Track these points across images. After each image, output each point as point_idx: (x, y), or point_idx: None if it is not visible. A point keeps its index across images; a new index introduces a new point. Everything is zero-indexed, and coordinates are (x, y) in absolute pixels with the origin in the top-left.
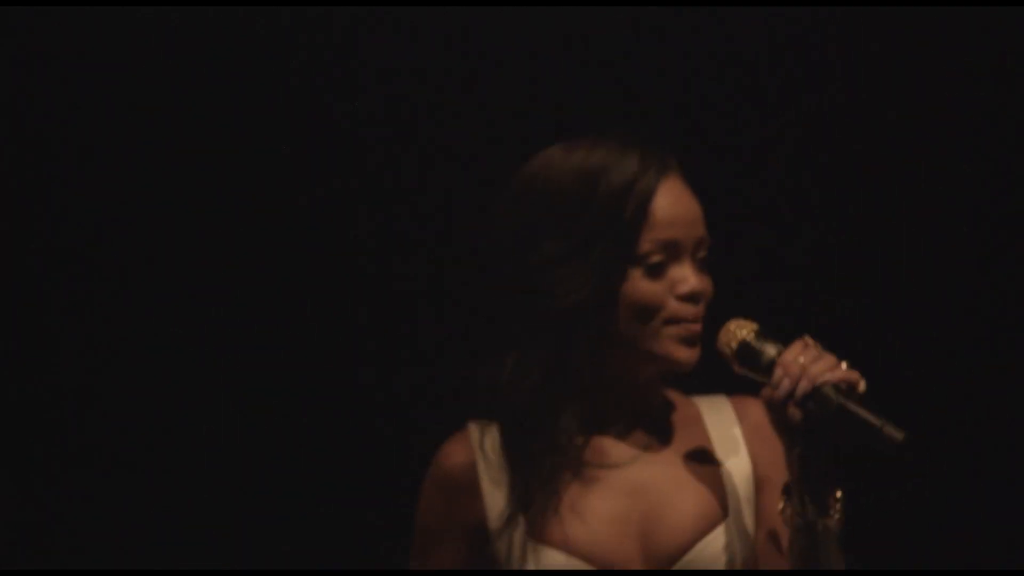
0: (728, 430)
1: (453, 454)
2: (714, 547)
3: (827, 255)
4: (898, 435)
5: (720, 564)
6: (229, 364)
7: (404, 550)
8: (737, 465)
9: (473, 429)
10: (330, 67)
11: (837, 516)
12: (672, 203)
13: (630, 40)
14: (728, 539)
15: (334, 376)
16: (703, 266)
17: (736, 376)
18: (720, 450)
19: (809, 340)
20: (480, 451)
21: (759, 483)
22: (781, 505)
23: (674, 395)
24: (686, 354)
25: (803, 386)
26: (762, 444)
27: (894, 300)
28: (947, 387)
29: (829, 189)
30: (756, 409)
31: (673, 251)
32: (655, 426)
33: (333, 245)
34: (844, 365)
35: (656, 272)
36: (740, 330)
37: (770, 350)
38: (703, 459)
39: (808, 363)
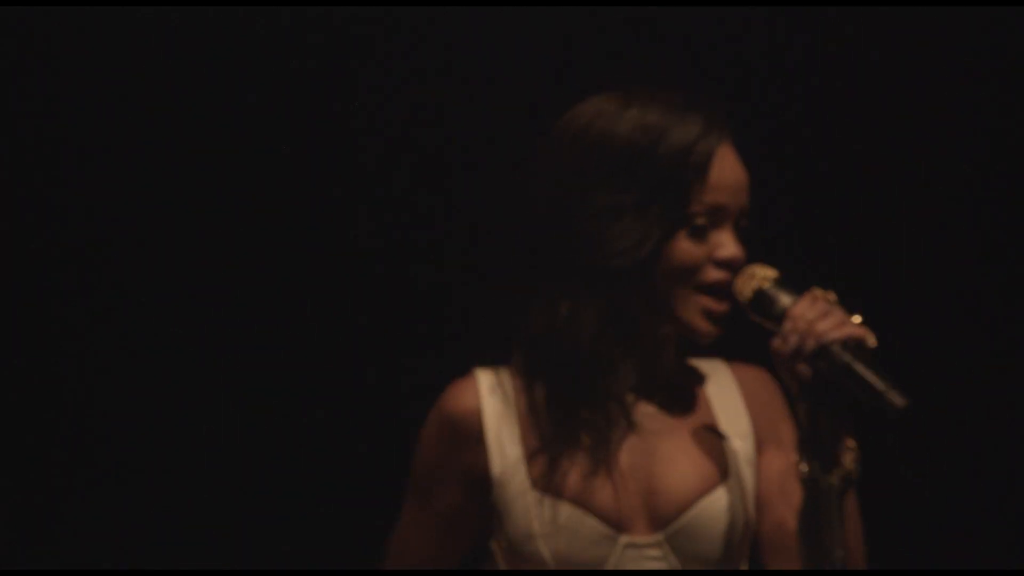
0: (729, 394)
1: (458, 399)
2: (715, 507)
3: (827, 254)
4: (900, 401)
5: (721, 523)
6: (229, 361)
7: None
8: (738, 429)
9: (482, 376)
10: (330, 66)
11: (843, 474)
12: (726, 169)
13: (630, 39)
14: (730, 499)
15: (335, 376)
16: (742, 236)
17: (751, 323)
18: (722, 413)
19: (819, 293)
20: (488, 399)
21: (759, 446)
22: (797, 461)
23: (683, 355)
24: (707, 328)
25: (810, 344)
26: (761, 409)
27: (893, 298)
28: (946, 385)
29: (827, 187)
30: (753, 374)
31: (719, 216)
32: (665, 388)
33: (334, 237)
34: (855, 319)
35: (699, 234)
36: (758, 276)
37: (784, 300)
38: (706, 422)
39: (816, 319)
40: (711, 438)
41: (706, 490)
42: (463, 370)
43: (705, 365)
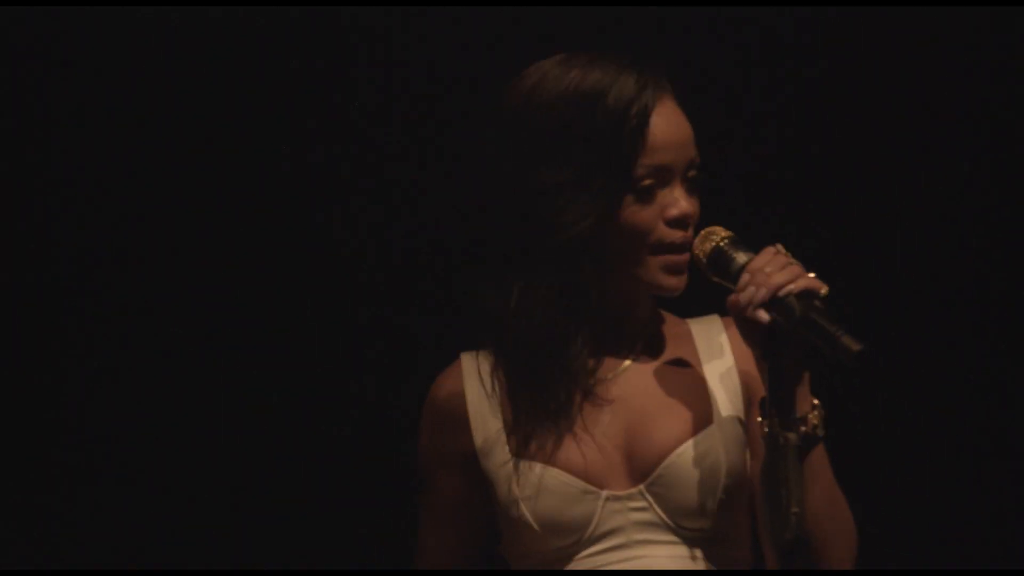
0: (717, 347)
1: (443, 386)
2: (690, 454)
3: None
4: (855, 346)
5: (697, 470)
6: (224, 358)
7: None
8: (724, 379)
9: (465, 359)
10: (327, 65)
11: (803, 430)
12: (667, 126)
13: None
14: (709, 445)
15: (328, 376)
16: (693, 187)
17: (712, 284)
18: (707, 365)
19: (779, 248)
20: (470, 380)
21: (749, 398)
22: (759, 419)
23: (666, 315)
24: (673, 282)
25: (763, 294)
26: (751, 364)
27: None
28: (944, 384)
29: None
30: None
31: (665, 175)
32: (644, 343)
33: (321, 235)
34: (811, 275)
35: (646, 196)
36: (714, 236)
37: (741, 258)
38: (689, 372)
39: (773, 271)
40: (695, 390)
41: (683, 440)
42: (452, 358)
43: (698, 323)
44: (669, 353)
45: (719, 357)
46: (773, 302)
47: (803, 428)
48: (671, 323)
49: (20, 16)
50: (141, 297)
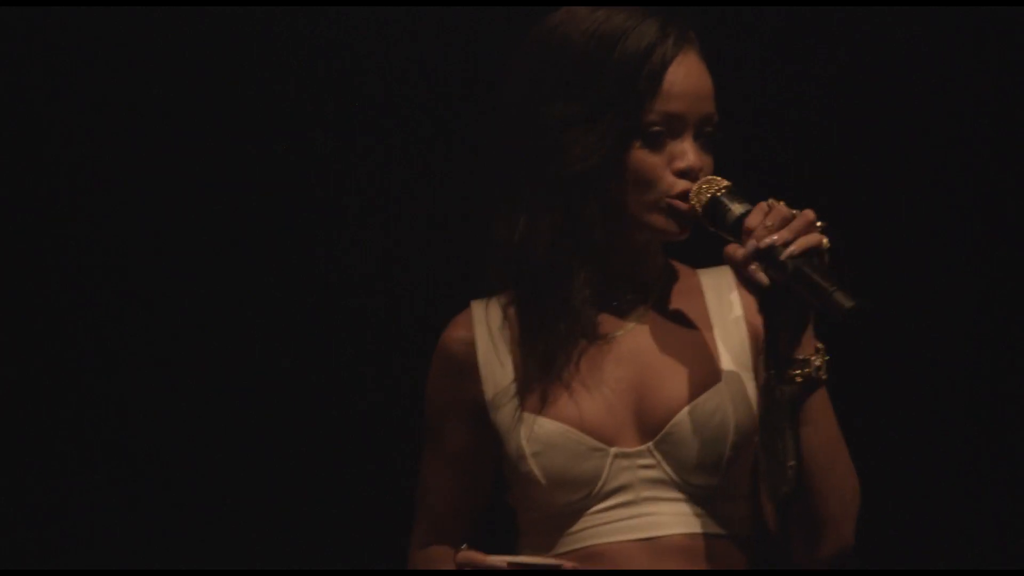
0: (727, 300)
1: (453, 333)
2: (698, 412)
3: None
4: (847, 302)
5: (705, 428)
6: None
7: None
8: (733, 333)
9: (475, 307)
10: (324, 66)
11: (805, 372)
12: (684, 76)
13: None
14: (718, 402)
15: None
16: (708, 144)
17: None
18: (717, 319)
19: (775, 202)
20: (480, 328)
21: (758, 350)
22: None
23: (678, 266)
24: (673, 226)
25: (761, 247)
26: (759, 317)
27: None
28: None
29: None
30: None
31: (677, 125)
32: (653, 296)
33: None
34: (805, 223)
35: (656, 143)
36: (711, 186)
37: (737, 208)
38: (699, 328)
39: (772, 224)
40: (703, 345)
41: (692, 397)
42: (463, 306)
43: (709, 274)
44: (679, 309)
45: (728, 311)
46: (768, 256)
47: (805, 370)
48: (682, 276)
49: (20, 16)
50: (143, 297)
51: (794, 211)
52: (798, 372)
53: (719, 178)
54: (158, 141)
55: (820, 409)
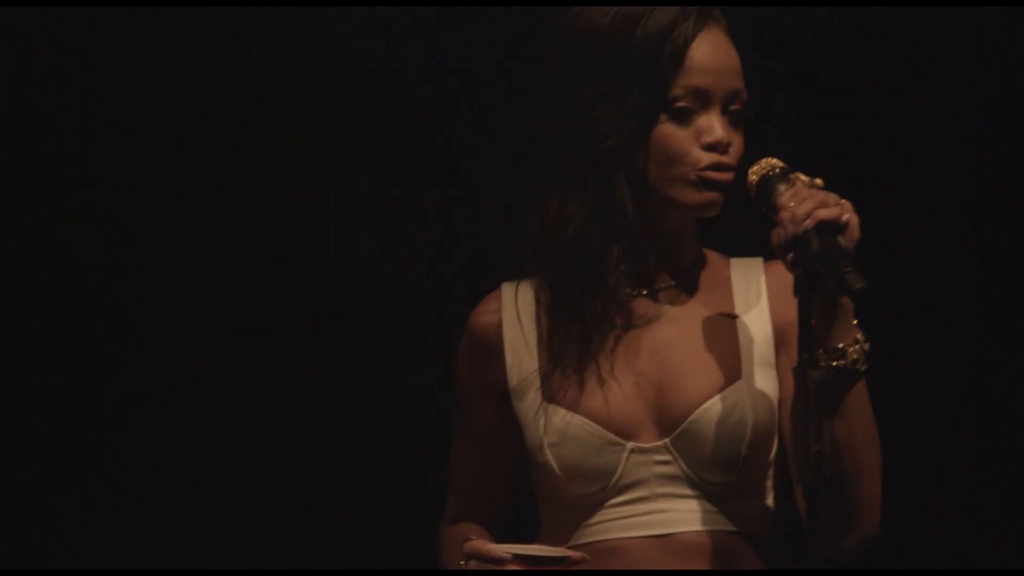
0: (754, 293)
1: (481, 314)
2: (717, 409)
3: None
4: (857, 283)
5: (723, 425)
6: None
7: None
8: (757, 329)
9: (506, 288)
10: (325, 66)
11: (841, 363)
12: (708, 51)
13: None
14: (737, 400)
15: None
16: (737, 121)
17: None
18: (742, 314)
19: (800, 178)
20: (508, 310)
21: (781, 344)
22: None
23: (710, 255)
24: (700, 198)
25: (791, 230)
26: (784, 311)
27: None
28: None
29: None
30: (782, 275)
31: (703, 99)
32: (682, 286)
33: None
34: (835, 205)
35: (682, 118)
36: (764, 166)
37: (781, 189)
38: (723, 324)
39: (797, 205)
40: (727, 340)
41: (711, 394)
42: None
43: (740, 265)
44: (705, 302)
45: (755, 305)
46: (796, 238)
47: (840, 360)
48: (714, 266)
49: (21, 16)
50: (149, 296)
51: (819, 184)
52: (832, 361)
53: (774, 159)
54: (155, 142)
55: (856, 400)
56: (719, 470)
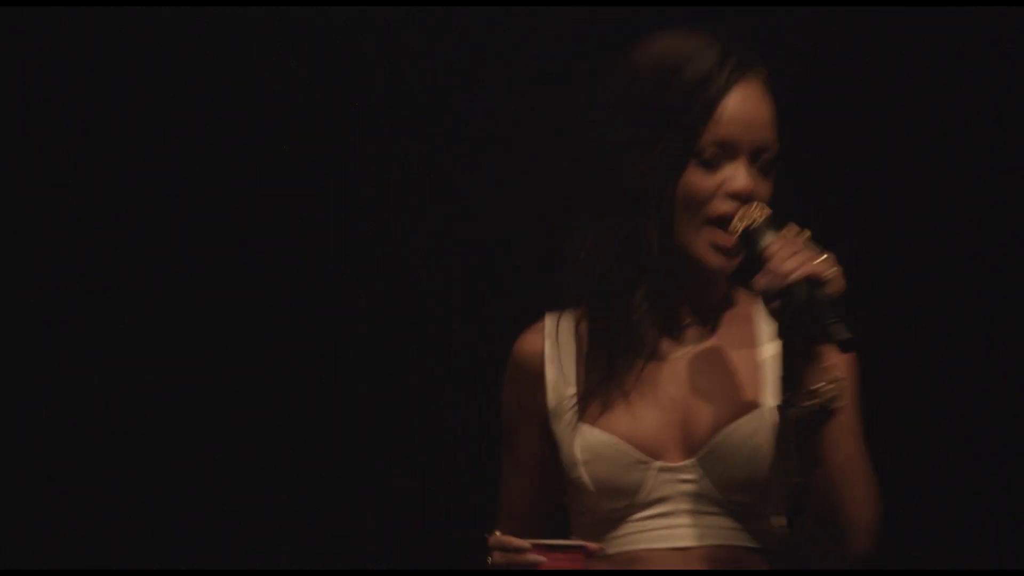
0: (775, 330)
1: (525, 343)
2: (740, 432)
3: None
4: (843, 335)
5: (745, 448)
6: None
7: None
8: (776, 363)
9: (549, 319)
10: (325, 67)
11: (815, 403)
12: (739, 104)
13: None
14: (757, 425)
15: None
16: (766, 172)
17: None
18: (764, 348)
19: (792, 231)
20: (549, 339)
21: None
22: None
23: (738, 293)
24: (717, 261)
25: (775, 283)
26: None
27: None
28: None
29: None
30: None
31: (730, 149)
32: (709, 321)
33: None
34: (822, 258)
35: (710, 166)
36: (751, 214)
37: (768, 239)
38: (746, 356)
39: (784, 258)
40: (750, 372)
41: (734, 419)
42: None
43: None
44: (731, 336)
45: (775, 340)
46: (781, 290)
47: (814, 401)
48: (742, 303)
49: (20, 16)
50: (156, 296)
51: (806, 236)
52: (807, 401)
53: (762, 205)
54: (155, 142)
55: (837, 431)
56: (740, 490)
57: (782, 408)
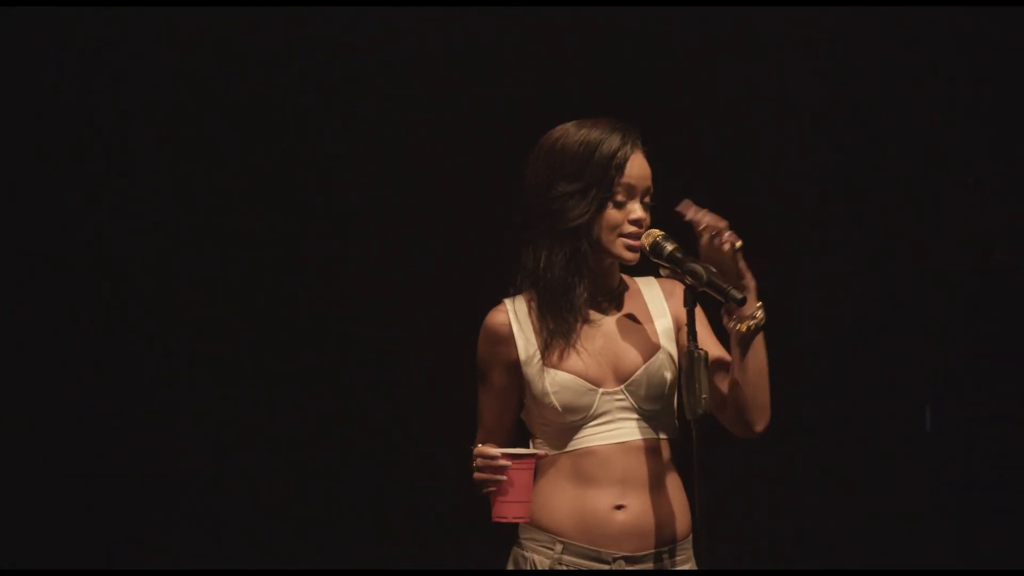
0: (657, 299)
1: (496, 316)
2: (654, 366)
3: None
4: (738, 295)
5: (658, 377)
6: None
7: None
8: (663, 321)
9: (507, 301)
10: (325, 67)
11: (750, 328)
12: (636, 166)
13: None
14: (661, 361)
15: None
16: (647, 206)
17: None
18: (653, 312)
19: (710, 215)
20: (511, 314)
21: (678, 328)
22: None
23: (625, 277)
24: (629, 255)
25: (715, 238)
26: (675, 303)
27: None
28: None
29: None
30: (669, 284)
31: (631, 194)
32: (616, 297)
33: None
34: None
35: (620, 206)
36: (652, 234)
37: (668, 246)
38: (644, 317)
39: (712, 220)
40: (648, 327)
41: (648, 357)
42: (495, 301)
43: (643, 282)
44: (631, 306)
45: (659, 306)
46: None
47: (752, 321)
48: (629, 283)
49: (21, 16)
50: (164, 296)
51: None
52: (750, 323)
53: (656, 229)
54: (156, 142)
55: (759, 342)
56: (653, 402)
57: (689, 349)
